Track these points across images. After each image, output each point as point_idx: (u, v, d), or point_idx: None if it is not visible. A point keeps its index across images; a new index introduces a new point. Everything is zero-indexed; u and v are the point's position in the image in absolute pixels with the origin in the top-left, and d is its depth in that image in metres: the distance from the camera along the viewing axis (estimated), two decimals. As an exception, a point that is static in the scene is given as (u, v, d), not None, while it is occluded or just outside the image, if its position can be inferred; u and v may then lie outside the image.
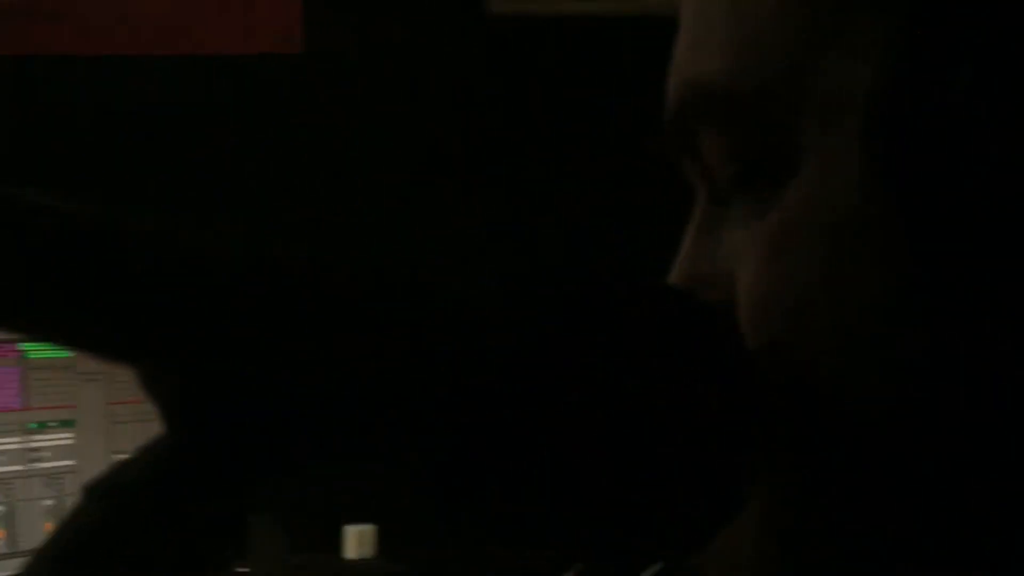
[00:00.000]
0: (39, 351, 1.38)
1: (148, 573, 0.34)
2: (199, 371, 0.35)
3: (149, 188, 2.00)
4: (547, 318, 0.39)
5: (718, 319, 0.42)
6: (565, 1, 2.12)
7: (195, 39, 2.07)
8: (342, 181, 2.06)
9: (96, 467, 1.31)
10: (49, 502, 1.38)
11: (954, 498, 0.41)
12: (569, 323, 0.39)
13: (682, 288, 0.45)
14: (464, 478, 0.37)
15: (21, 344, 1.35)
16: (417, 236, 2.04)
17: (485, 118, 2.08)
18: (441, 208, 2.05)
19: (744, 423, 0.40)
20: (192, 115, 2.05)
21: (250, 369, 0.35)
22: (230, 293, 0.35)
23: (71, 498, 1.32)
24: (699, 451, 0.39)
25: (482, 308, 0.39)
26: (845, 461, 0.42)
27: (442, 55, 2.08)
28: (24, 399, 1.37)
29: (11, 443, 1.34)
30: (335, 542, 1.75)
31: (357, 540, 1.74)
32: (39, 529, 1.37)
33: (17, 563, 1.28)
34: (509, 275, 0.40)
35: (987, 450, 0.40)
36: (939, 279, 0.39)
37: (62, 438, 1.39)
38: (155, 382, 0.35)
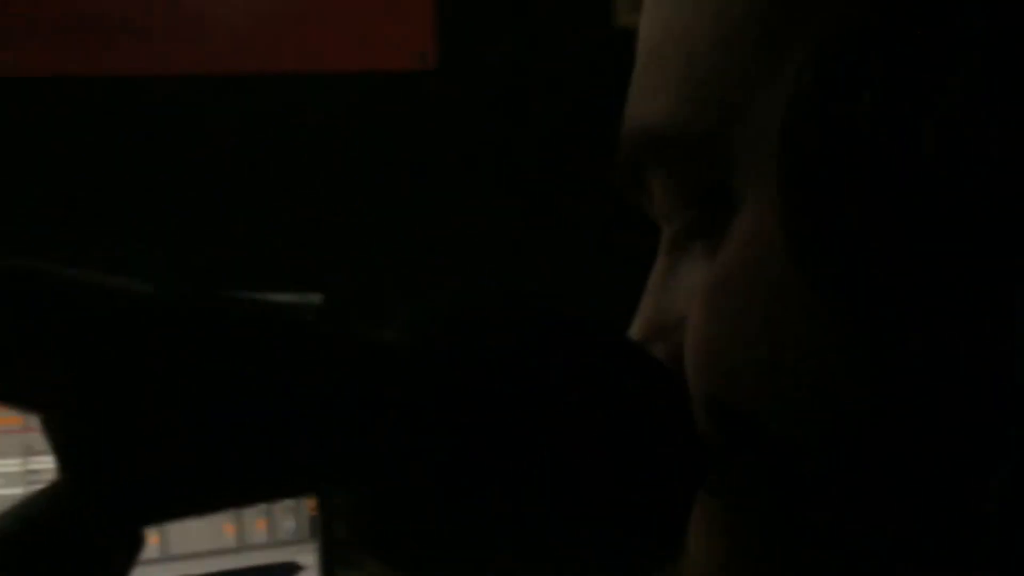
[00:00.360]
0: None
1: None
2: (87, 417, 0.35)
3: (280, 206, 2.03)
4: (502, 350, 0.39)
5: (662, 377, 0.42)
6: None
7: (326, 56, 2.09)
8: (476, 196, 2.07)
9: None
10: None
11: (889, 528, 0.41)
12: (520, 362, 0.39)
13: (634, 341, 0.45)
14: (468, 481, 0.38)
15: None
16: (544, 247, 2.05)
17: (614, 130, 2.07)
18: (571, 220, 2.05)
19: (678, 473, 0.41)
20: (325, 133, 2.07)
21: (154, 407, 0.35)
22: (133, 338, 0.35)
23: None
24: (634, 492, 0.40)
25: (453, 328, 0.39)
26: (794, 497, 0.42)
27: (570, 68, 2.08)
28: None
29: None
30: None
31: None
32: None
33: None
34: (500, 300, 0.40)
35: (921, 485, 0.40)
36: (857, 322, 0.38)
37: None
38: (49, 426, 0.36)
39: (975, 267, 0.37)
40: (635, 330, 0.46)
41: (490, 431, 0.38)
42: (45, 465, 1.33)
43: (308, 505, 1.39)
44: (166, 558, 1.29)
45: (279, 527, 1.36)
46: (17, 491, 1.31)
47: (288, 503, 1.35)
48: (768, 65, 0.41)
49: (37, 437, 1.30)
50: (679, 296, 0.45)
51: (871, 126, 0.37)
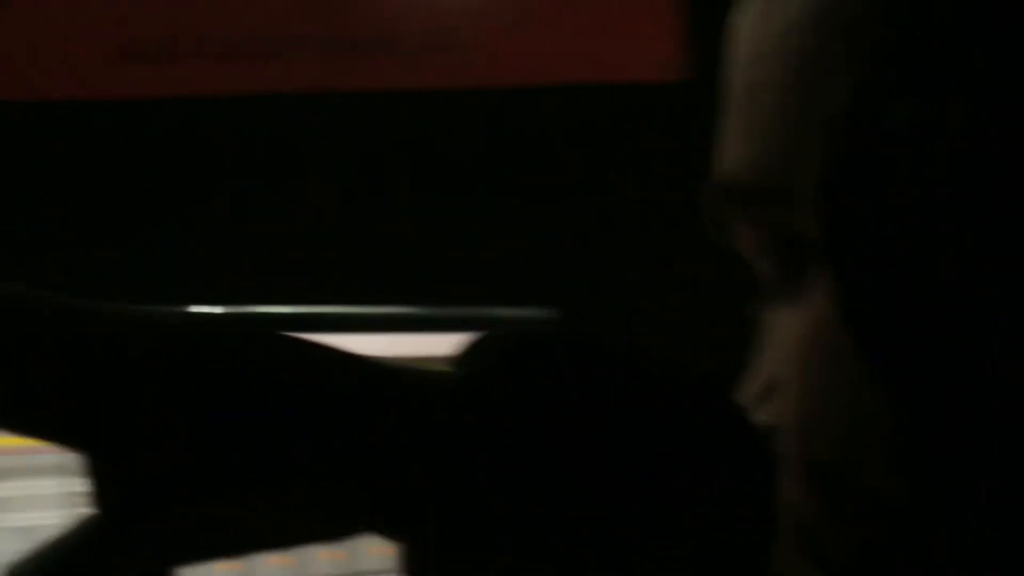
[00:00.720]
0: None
1: None
2: (117, 454, 0.34)
3: (524, 221, 2.03)
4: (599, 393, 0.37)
5: (758, 446, 0.40)
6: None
7: (571, 68, 2.09)
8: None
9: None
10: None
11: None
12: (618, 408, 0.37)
13: (736, 406, 0.42)
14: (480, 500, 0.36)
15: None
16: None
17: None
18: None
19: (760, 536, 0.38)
20: (571, 146, 2.07)
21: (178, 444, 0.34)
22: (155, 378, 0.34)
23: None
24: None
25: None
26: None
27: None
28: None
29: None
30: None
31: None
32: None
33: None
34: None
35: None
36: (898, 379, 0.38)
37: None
38: (86, 463, 0.35)
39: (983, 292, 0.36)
40: (746, 388, 0.45)
41: (531, 458, 0.36)
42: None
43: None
44: (350, 574, 1.27)
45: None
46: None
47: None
48: (820, 111, 0.41)
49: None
50: (780, 352, 0.44)
51: (902, 159, 0.37)
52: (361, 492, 0.35)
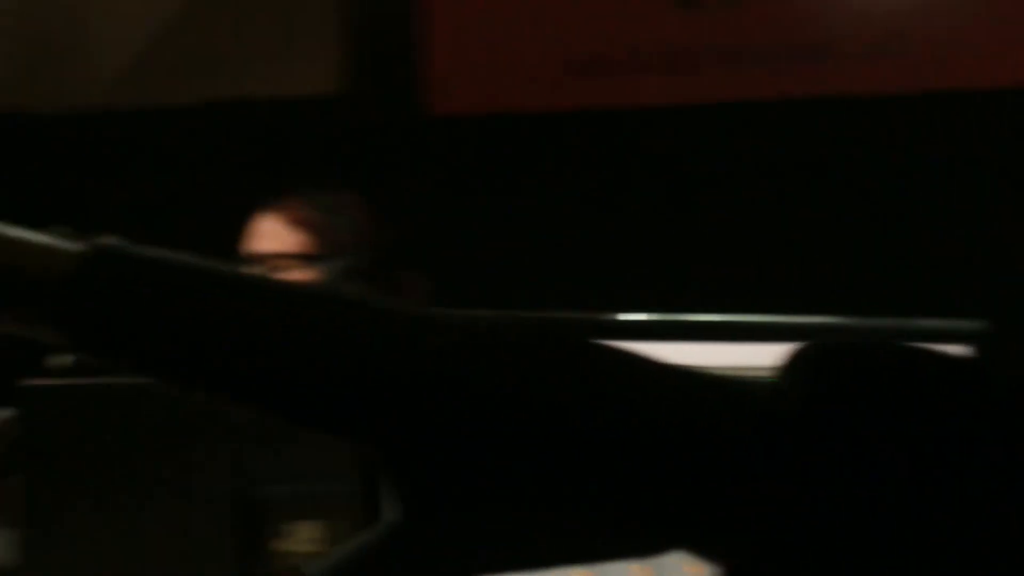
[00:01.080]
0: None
1: None
2: (432, 461, 0.35)
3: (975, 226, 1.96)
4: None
5: None
6: None
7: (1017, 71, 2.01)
8: None
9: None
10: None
11: None
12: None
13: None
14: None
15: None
16: None
17: None
18: None
19: None
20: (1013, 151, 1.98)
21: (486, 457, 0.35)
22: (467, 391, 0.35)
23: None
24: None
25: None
26: None
27: None
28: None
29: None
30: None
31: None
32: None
33: None
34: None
35: None
36: None
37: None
38: (385, 467, 0.36)
39: None
40: None
41: (858, 471, 0.35)
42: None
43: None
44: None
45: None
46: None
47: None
48: None
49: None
50: None
51: None
52: (678, 506, 0.34)
